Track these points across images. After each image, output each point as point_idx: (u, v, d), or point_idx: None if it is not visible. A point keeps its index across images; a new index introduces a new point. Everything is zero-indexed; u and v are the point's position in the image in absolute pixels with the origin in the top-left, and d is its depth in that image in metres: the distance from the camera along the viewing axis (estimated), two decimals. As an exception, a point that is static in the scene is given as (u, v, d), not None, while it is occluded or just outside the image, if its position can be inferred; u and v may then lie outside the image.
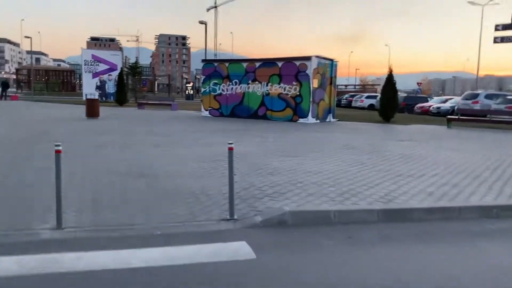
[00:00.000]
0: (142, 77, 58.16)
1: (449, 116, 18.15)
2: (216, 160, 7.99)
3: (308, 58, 18.21)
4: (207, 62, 21.88)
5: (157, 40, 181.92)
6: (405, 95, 35.65)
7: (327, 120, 19.73)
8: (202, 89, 21.88)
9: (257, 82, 19.63)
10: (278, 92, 19.00)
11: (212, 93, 21.20)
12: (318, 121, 18.87)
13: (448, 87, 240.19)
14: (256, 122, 17.97)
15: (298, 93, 18.48)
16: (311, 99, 18.20)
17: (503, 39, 22.15)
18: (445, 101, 29.05)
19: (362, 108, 35.61)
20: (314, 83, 18.30)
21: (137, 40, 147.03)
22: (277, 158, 8.42)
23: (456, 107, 25.05)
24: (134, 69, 43.15)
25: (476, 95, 24.09)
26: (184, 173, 6.80)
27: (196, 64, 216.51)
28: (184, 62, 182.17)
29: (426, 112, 27.81)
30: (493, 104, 22.38)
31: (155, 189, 5.77)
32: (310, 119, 18.32)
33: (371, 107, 35.49)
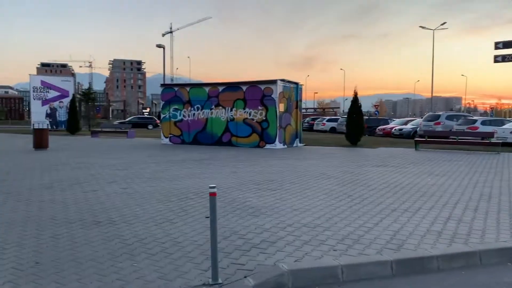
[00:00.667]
0: (96, 104, 55.88)
1: (416, 139, 17.92)
2: (185, 199, 6.92)
3: (273, 82, 17.58)
4: (166, 86, 20.80)
5: (111, 66, 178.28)
6: (366, 117, 35.88)
7: (294, 145, 19.05)
8: (162, 115, 20.71)
9: (220, 107, 18.74)
10: (243, 117, 18.17)
11: (172, 119, 20.08)
12: (285, 146, 18.14)
13: (399, 108, 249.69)
14: (221, 149, 16.98)
15: (264, 118, 17.72)
16: (278, 124, 17.48)
17: (504, 58, 21.23)
18: (406, 123, 29.34)
19: (324, 132, 35.48)
20: (280, 108, 17.64)
21: (90, 65, 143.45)
22: (254, 192, 7.46)
23: (418, 129, 25.24)
24: (87, 95, 41.13)
25: (438, 116, 24.35)
26: (147, 218, 5.69)
27: (152, 89, 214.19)
28: (139, 87, 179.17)
29: (388, 134, 27.87)
30: (455, 125, 22.61)
31: (111, 242, 4.64)
32: (278, 145, 17.56)
33: (332, 130, 35.45)
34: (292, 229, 5.10)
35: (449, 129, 23.02)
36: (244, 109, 18.15)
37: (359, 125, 18.86)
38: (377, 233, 4.98)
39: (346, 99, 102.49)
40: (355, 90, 19.05)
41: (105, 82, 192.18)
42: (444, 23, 45.22)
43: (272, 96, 17.50)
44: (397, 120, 31.24)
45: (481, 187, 8.19)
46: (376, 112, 48.54)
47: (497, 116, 61.69)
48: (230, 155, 14.43)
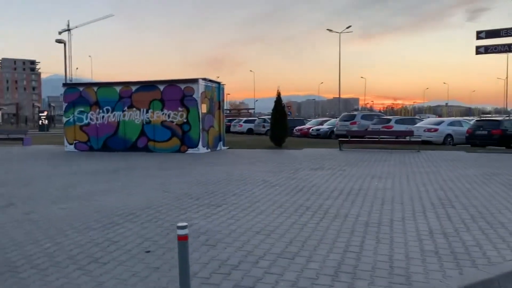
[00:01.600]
0: (-18, 107, 49.24)
1: (340, 139, 17.80)
2: (110, 225, 5.42)
3: (194, 81, 16.22)
4: (69, 86, 18.33)
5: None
6: None
7: (218, 148, 17.87)
8: (65, 119, 18.21)
9: (134, 109, 16.89)
10: (161, 119, 16.54)
11: (77, 123, 17.72)
12: (209, 150, 16.88)
13: (303, 109, 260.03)
14: (137, 156, 15.21)
15: (185, 120, 16.28)
16: (200, 127, 16.17)
17: (487, 49, 18.21)
18: (322, 123, 29.69)
19: (241, 133, 34.74)
20: (203, 108, 16.35)
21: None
22: (196, 210, 6.18)
23: (335, 129, 25.53)
24: (-29, 97, 35.78)
25: (353, 116, 24.81)
26: (65, 258, 4.17)
27: (48, 91, 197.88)
28: (34, 89, 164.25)
29: (305, 134, 27.90)
30: (371, 125, 23.16)
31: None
32: (201, 149, 16.24)
33: (250, 131, 34.87)
34: (267, 263, 3.97)
35: (365, 128, 23.54)
36: (162, 110, 16.53)
37: (283, 126, 18.27)
38: (369, 259, 4.04)
39: (257, 100, 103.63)
40: (278, 91, 18.44)
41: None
42: (349, 26, 47.23)
43: (194, 96, 16.14)
44: (313, 121, 31.59)
45: (433, 190, 7.78)
46: (289, 113, 49.08)
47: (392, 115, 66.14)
48: (150, 163, 12.83)
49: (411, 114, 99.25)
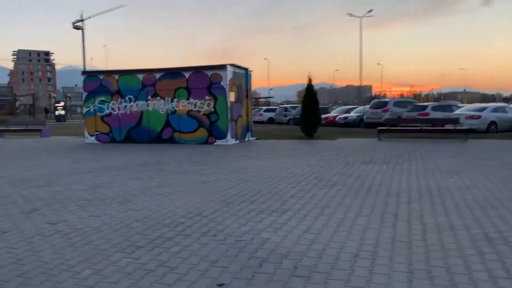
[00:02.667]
0: (-1, 98, 48.86)
1: (379, 128, 16.51)
2: (158, 241, 4.33)
3: (222, 67, 15.04)
4: (89, 74, 17.28)
5: (15, 57, 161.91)
6: None
7: (246, 139, 16.75)
8: (85, 109, 17.25)
9: (158, 98, 15.82)
10: (187, 109, 15.45)
11: (98, 113, 16.75)
12: (237, 141, 15.77)
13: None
14: (163, 148, 14.16)
15: (212, 110, 15.16)
16: (229, 116, 15.04)
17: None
18: (348, 111, 28.33)
19: (262, 122, 33.57)
20: (231, 97, 15.20)
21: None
22: (256, 218, 5.06)
23: (365, 117, 24.19)
24: (-13, 88, 35.14)
25: (385, 103, 23.37)
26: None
27: (62, 82, 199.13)
28: (49, 80, 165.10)
29: (332, 123, 26.60)
30: (405, 112, 21.76)
31: None
32: (230, 140, 15.13)
33: (270, 120, 33.69)
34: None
35: (398, 116, 22.19)
36: (188, 99, 15.42)
37: (316, 115, 17.04)
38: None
39: (271, 89, 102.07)
40: (309, 77, 17.17)
41: (8, 75, 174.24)
42: (371, 10, 45.46)
43: (221, 83, 14.98)
44: (338, 109, 30.12)
45: (527, 189, 6.54)
46: None
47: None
48: (179, 156, 11.76)
49: (431, 101, 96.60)
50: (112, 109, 16.49)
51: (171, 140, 15.67)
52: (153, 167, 9.64)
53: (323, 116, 27.91)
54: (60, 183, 7.79)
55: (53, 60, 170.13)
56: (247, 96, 16.83)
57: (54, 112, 48.77)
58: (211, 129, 15.25)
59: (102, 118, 16.71)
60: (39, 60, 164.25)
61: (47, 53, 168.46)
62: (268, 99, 60.93)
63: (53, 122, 43.77)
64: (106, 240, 4.39)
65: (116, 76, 16.49)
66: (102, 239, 4.43)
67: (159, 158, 11.32)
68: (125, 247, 4.18)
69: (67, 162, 11.06)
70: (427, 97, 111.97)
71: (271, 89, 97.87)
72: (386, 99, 24.60)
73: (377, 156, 10.90)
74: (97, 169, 9.50)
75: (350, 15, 46.17)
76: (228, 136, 15.08)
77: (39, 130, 21.28)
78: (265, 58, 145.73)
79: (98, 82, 16.65)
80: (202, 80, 15.18)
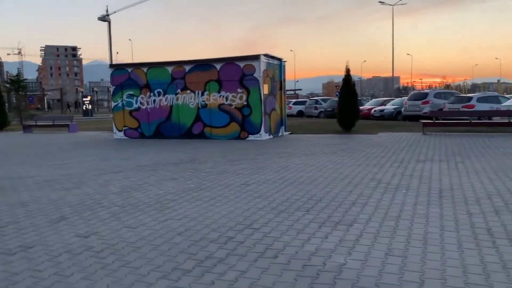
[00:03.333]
0: (28, 93, 49.46)
1: (424, 121, 15.40)
2: (209, 262, 3.55)
3: (255, 58, 14.22)
4: (117, 67, 16.74)
5: (43, 53, 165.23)
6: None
7: (280, 134, 15.92)
8: (113, 103, 16.74)
9: (188, 91, 15.14)
10: (218, 102, 14.72)
11: (127, 107, 16.22)
12: (271, 136, 14.97)
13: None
14: (194, 143, 13.50)
15: (245, 103, 14.38)
16: (262, 110, 14.23)
17: None
18: (383, 103, 27.09)
19: (291, 116, 32.60)
20: (265, 89, 14.38)
21: (20, 53, 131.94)
22: (318, 232, 4.23)
23: (403, 109, 23.00)
24: (17, 83, 35.32)
25: (425, 95, 22.05)
26: None
27: (89, 77, 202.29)
28: (76, 74, 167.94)
29: (367, 116, 25.44)
30: (447, 104, 20.48)
31: None
32: (264, 135, 14.34)
33: (300, 113, 32.74)
34: None
35: (439, 108, 20.93)
36: (219, 92, 14.69)
37: (354, 108, 16.05)
38: None
39: (297, 81, 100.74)
40: (347, 67, 16.16)
41: (37, 71, 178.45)
42: (404, -3, 43.63)
43: (255, 75, 14.17)
44: (373, 101, 28.83)
45: None
46: (337, 94, 46.19)
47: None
48: (214, 153, 11.05)
49: (465, 92, 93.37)
50: (141, 103, 15.92)
51: (202, 135, 14.99)
52: (188, 167, 8.93)
53: (356, 108, 26.84)
54: (89, 185, 7.15)
55: (80, 55, 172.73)
56: (280, 89, 15.97)
57: (82, 107, 49.09)
58: (243, 124, 14.48)
59: (130, 112, 16.17)
60: (66, 56, 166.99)
61: (74, 48, 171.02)
62: (296, 92, 59.77)
63: (80, 116, 43.97)
64: (145, 261, 3.66)
65: (145, 69, 15.89)
66: (140, 260, 3.70)
67: (192, 156, 10.62)
68: (169, 271, 3.44)
69: (95, 160, 10.49)
70: (459, 88, 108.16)
71: (297, 81, 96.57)
72: (426, 90, 23.28)
73: (431, 153, 9.89)
74: (128, 168, 8.85)
75: (382, 3, 44.48)
76: (262, 131, 14.28)
77: (67, 125, 20.98)
78: (291, 50, 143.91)
79: (126, 75, 16.10)
80: (234, 72, 14.40)
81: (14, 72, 51.50)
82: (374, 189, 6.16)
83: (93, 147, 13.79)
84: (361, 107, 26.85)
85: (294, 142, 13.58)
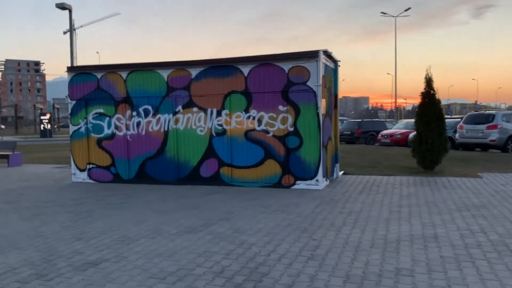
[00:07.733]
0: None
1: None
2: None
3: (311, 55, 8.73)
4: (79, 71, 10.77)
5: (2, 67, 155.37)
6: (358, 120, 28.51)
7: (334, 176, 10.44)
8: (72, 127, 10.80)
9: (195, 109, 9.49)
10: (245, 128, 9.13)
11: (94, 134, 10.35)
12: (328, 181, 9.46)
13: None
14: (205, 193, 7.78)
15: (291, 129, 8.86)
16: (321, 140, 8.74)
17: None
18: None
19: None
20: (323, 107, 8.92)
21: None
22: None
23: (457, 135, 17.96)
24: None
25: (491, 117, 17.02)
26: None
27: (54, 94, 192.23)
28: (38, 90, 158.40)
29: (398, 142, 20.38)
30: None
31: None
32: (321, 182, 8.79)
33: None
34: None
35: (510, 135, 16.10)
36: (247, 111, 9.12)
37: (440, 136, 10.74)
38: None
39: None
40: (427, 75, 10.92)
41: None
42: (408, 8, 39.67)
43: (309, 83, 8.71)
44: (401, 123, 23.76)
45: None
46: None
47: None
48: (243, 217, 5.39)
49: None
50: (117, 127, 10.11)
51: (216, 180, 9.31)
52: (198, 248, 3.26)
53: (383, 132, 21.79)
54: None
55: (43, 70, 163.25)
56: (336, 106, 10.57)
57: (40, 125, 42.25)
58: (288, 162, 8.91)
59: (99, 142, 10.31)
60: (28, 70, 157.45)
61: (37, 63, 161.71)
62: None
63: (37, 137, 37.23)
64: None
65: (124, 74, 10.12)
66: None
67: (206, 220, 4.94)
68: None
69: (39, 238, 4.62)
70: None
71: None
72: (492, 112, 18.37)
73: None
74: (88, 264, 3.09)
75: (384, 14, 40.43)
76: (319, 175, 8.75)
77: (6, 157, 14.76)
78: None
79: (93, 84, 10.31)
80: (273, 78, 8.88)
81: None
82: None
83: (38, 199, 7.86)
84: (388, 131, 21.86)
85: (364, 191, 8.05)
